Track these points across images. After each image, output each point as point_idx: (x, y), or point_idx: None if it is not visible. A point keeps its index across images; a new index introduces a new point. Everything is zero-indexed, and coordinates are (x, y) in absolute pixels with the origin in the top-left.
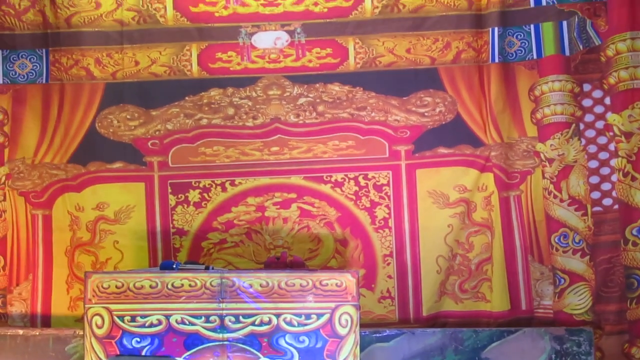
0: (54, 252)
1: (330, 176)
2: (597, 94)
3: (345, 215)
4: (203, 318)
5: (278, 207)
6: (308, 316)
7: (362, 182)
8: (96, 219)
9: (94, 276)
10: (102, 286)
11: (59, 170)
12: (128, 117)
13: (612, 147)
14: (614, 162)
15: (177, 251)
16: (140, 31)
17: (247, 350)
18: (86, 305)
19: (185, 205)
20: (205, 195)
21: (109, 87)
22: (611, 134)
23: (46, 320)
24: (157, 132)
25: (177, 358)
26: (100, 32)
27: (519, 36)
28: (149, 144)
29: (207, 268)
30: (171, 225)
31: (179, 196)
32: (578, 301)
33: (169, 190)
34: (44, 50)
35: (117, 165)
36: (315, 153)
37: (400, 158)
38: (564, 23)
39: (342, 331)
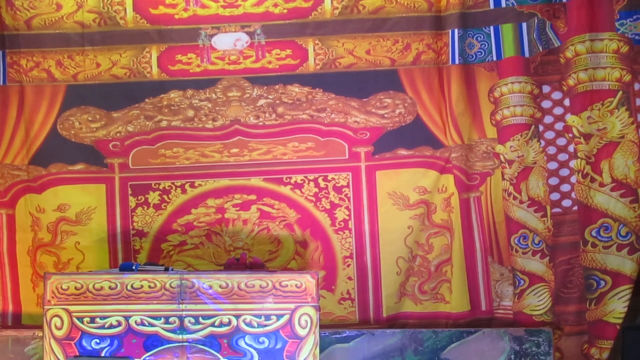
0: (18, 251)
1: (290, 178)
2: (557, 95)
3: (305, 216)
4: (162, 319)
5: (238, 208)
6: (268, 317)
7: (322, 184)
8: (57, 220)
9: (53, 277)
10: (61, 287)
11: (20, 171)
12: (89, 118)
13: (571, 148)
14: (573, 163)
15: (137, 253)
16: (101, 33)
17: (206, 351)
18: (45, 307)
19: (145, 207)
20: (165, 197)
21: (70, 89)
22: (570, 135)
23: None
24: (118, 134)
25: (136, 359)
26: (61, 34)
27: (478, 38)
28: (110, 145)
29: (166, 269)
30: (131, 227)
31: (139, 198)
32: (538, 302)
33: (129, 192)
34: (0, 52)
35: (79, 167)
36: (275, 155)
37: (360, 159)
38: (524, 25)
39: (301, 332)
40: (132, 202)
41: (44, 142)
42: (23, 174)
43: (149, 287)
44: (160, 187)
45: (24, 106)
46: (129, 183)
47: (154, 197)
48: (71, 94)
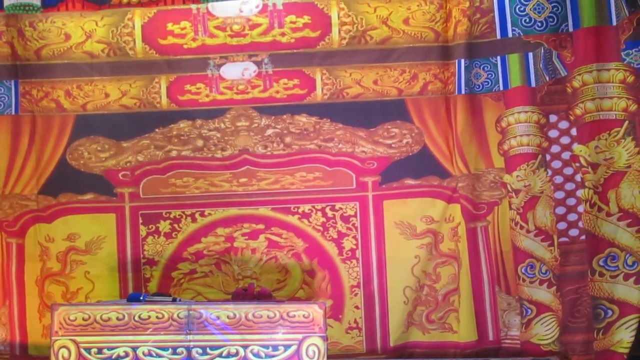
0: (26, 281)
1: (298, 207)
2: (563, 125)
3: (313, 246)
4: (170, 350)
5: (246, 237)
6: (275, 347)
7: (330, 213)
8: (67, 249)
9: (61, 308)
10: (68, 318)
11: (29, 201)
12: (99, 148)
13: (578, 178)
14: (580, 192)
15: (148, 281)
16: (110, 63)
17: None
18: (53, 338)
19: (156, 236)
20: (176, 225)
21: (79, 119)
22: (577, 164)
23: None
24: (128, 164)
25: None
26: (70, 64)
27: (485, 68)
28: (120, 175)
29: (174, 300)
30: (142, 256)
31: (150, 227)
32: (545, 331)
33: (140, 221)
34: (12, 82)
35: (88, 196)
36: (283, 184)
37: (368, 189)
38: (530, 54)
39: None
40: (142, 231)
41: (53, 172)
42: (32, 203)
43: (157, 317)
44: (171, 215)
45: (35, 136)
46: (140, 212)
47: (164, 226)
48: (80, 124)
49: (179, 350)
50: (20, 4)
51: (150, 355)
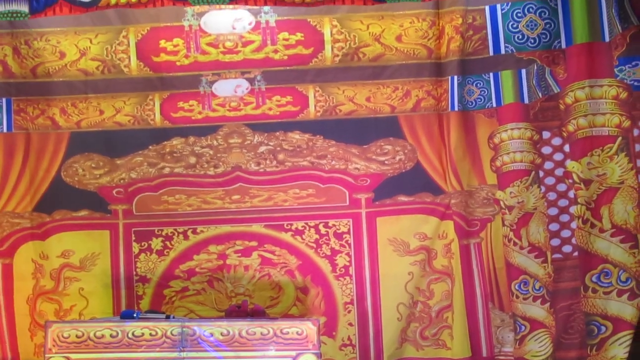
0: (16, 300)
1: (291, 224)
2: (557, 141)
3: (306, 263)
4: None
5: (239, 255)
6: None
7: (323, 230)
8: (60, 266)
9: (54, 325)
10: (62, 335)
11: (22, 219)
12: (93, 165)
13: (571, 194)
14: (573, 209)
15: (140, 298)
16: (105, 81)
17: None
18: (46, 355)
19: (148, 253)
20: (168, 243)
21: (73, 136)
22: (570, 181)
23: None
24: (121, 181)
25: None
26: (65, 81)
27: (478, 84)
28: (114, 192)
29: (167, 317)
30: (134, 273)
31: (142, 244)
32: (539, 348)
33: (133, 238)
34: (3, 100)
35: (83, 213)
36: (276, 201)
37: (361, 206)
38: (523, 71)
39: None
40: (135, 248)
41: (48, 189)
42: (25, 221)
43: (150, 335)
44: (163, 233)
45: (29, 154)
46: (133, 229)
47: (157, 243)
48: (74, 141)
49: None
50: (8, 11)
51: None
